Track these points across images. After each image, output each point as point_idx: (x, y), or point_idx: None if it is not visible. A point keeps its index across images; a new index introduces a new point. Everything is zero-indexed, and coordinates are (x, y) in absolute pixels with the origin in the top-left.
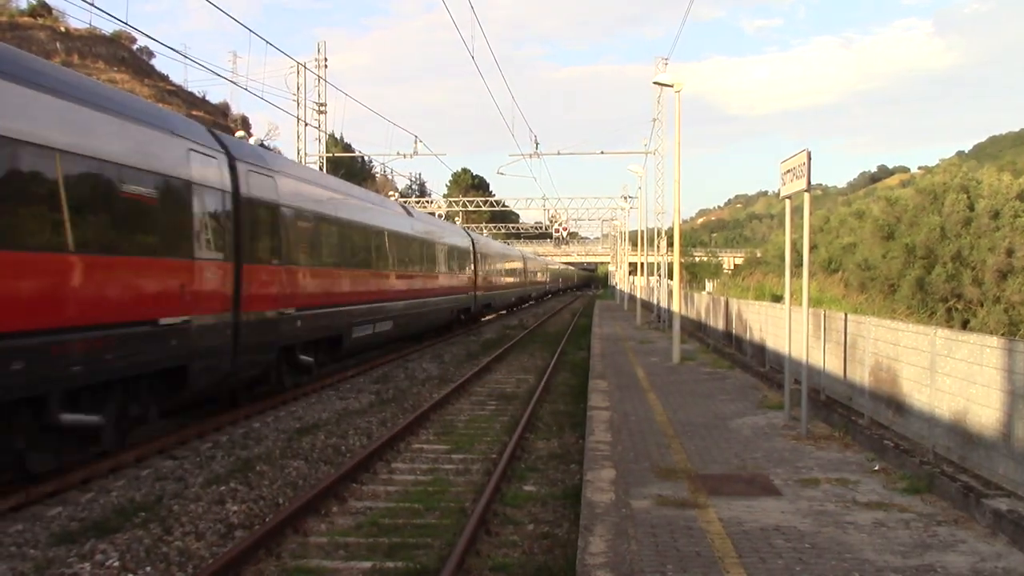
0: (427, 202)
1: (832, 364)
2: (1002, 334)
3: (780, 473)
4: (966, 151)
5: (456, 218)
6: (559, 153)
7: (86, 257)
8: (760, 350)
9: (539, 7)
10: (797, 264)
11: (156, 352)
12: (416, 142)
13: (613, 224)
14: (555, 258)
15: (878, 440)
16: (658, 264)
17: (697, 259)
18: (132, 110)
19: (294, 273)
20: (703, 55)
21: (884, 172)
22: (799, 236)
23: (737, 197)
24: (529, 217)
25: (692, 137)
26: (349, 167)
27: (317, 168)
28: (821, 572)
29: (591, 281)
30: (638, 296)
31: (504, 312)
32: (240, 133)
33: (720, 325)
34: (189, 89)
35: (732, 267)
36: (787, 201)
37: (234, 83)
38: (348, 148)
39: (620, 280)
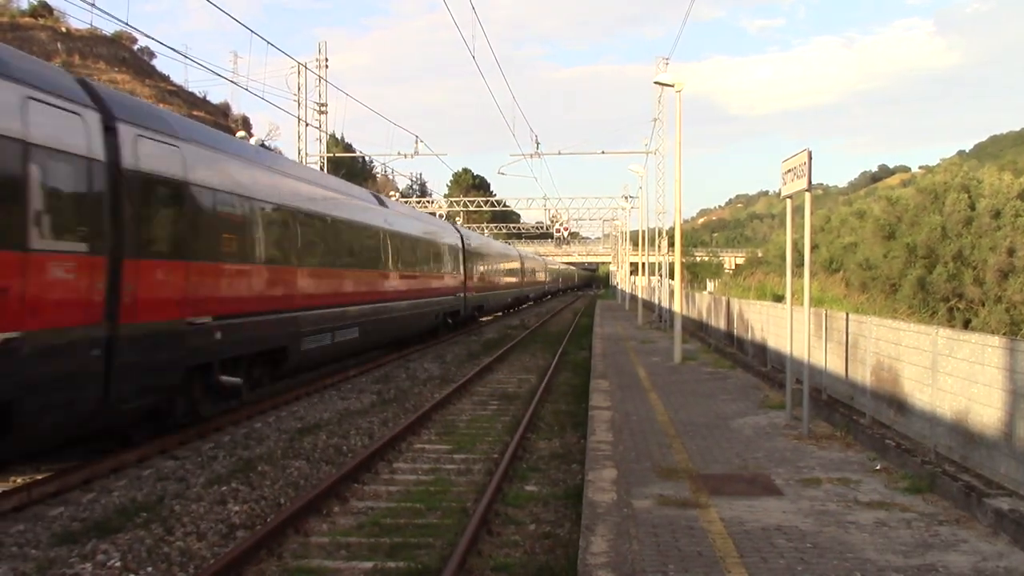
0: (428, 202)
1: (833, 364)
2: (1004, 333)
3: (782, 473)
4: (967, 150)
5: (457, 218)
6: (560, 153)
7: None
8: (761, 350)
9: (539, 7)
10: (798, 264)
11: None
12: (417, 142)
13: (614, 224)
14: (556, 258)
15: (880, 440)
16: (659, 264)
17: (698, 259)
18: None
19: (211, 271)
20: (704, 55)
21: (885, 172)
22: (800, 236)
23: (738, 197)
24: (530, 217)
25: (693, 137)
26: (350, 167)
27: (318, 168)
28: (823, 572)
29: (592, 281)
30: (639, 296)
31: (500, 314)
32: (241, 133)
33: (721, 325)
34: (190, 89)
35: (733, 267)
36: (788, 201)
37: (235, 83)
38: (349, 148)
39: (621, 280)
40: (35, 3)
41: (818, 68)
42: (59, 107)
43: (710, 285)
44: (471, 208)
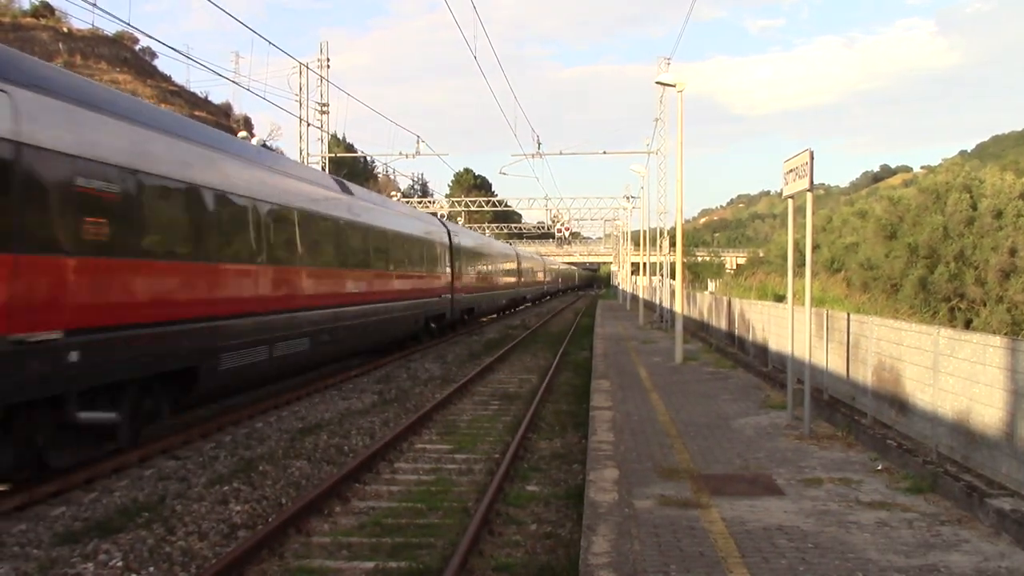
0: (429, 202)
1: (835, 364)
2: (1005, 333)
3: (783, 473)
4: (968, 150)
5: (459, 218)
6: (561, 153)
7: None
8: (763, 350)
9: (540, 7)
10: (800, 264)
11: None
12: (418, 142)
13: (615, 224)
14: (557, 258)
15: (881, 440)
16: (660, 264)
17: (699, 259)
18: None
19: (59, 267)
20: (706, 55)
21: (887, 172)
22: (801, 236)
23: (739, 197)
24: (531, 217)
25: (694, 137)
26: (352, 167)
27: (319, 168)
28: (824, 572)
29: (593, 281)
30: (640, 296)
31: (495, 316)
32: (243, 133)
33: (723, 325)
34: (191, 89)
35: (734, 267)
36: (789, 201)
37: (236, 83)
38: (351, 148)
39: (622, 280)
40: (37, 3)
41: (820, 68)
42: None
43: (711, 285)
44: (472, 208)
